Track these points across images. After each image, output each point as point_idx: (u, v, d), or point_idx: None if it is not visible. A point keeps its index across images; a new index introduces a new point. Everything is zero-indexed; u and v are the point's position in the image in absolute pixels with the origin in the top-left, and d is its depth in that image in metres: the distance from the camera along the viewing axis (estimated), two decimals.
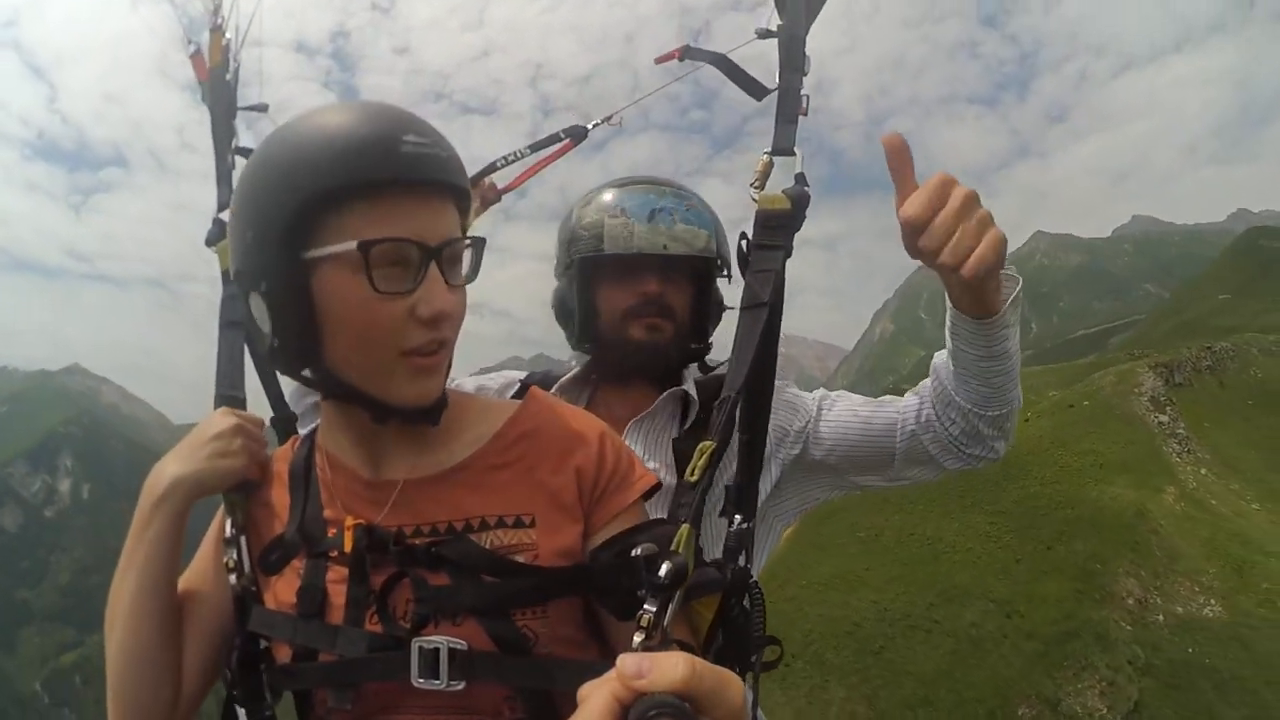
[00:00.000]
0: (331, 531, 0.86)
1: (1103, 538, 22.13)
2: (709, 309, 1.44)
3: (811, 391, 1.42)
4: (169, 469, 0.92)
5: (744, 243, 1.07)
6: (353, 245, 0.74)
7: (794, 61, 1.10)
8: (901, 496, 28.02)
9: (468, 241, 0.82)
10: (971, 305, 1.08)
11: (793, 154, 1.07)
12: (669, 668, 0.42)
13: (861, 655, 18.34)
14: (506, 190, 1.69)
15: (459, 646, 0.78)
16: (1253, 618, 19.21)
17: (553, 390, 1.40)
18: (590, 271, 1.37)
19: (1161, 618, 19.71)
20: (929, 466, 1.33)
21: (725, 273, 1.45)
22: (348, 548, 0.83)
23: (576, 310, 1.39)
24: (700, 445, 0.91)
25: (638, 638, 0.70)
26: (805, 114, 1.09)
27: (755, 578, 1.03)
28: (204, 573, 0.96)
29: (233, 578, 0.92)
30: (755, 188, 1.06)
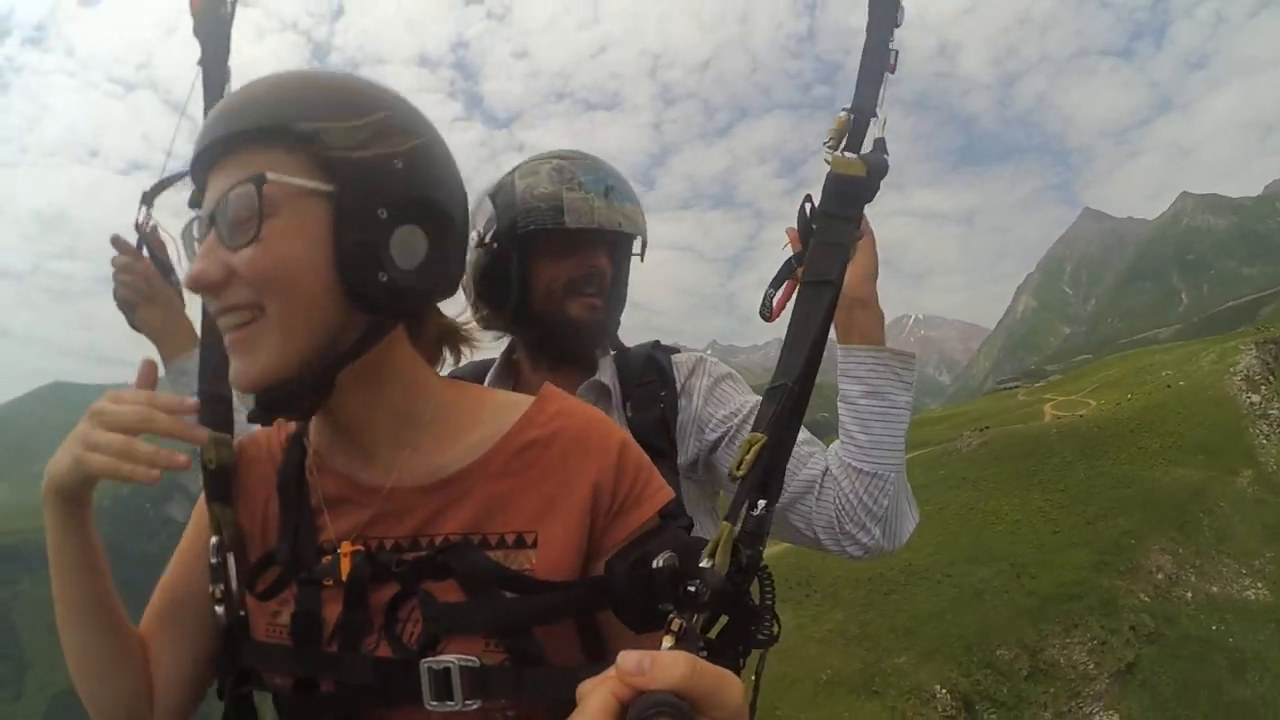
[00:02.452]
0: (326, 559, 0.78)
1: (1146, 515, 22.85)
2: (625, 287, 1.41)
3: (754, 395, 1.32)
4: (53, 462, 0.77)
5: (808, 207, 1.00)
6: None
7: (881, 9, 0.99)
8: (978, 476, 29.34)
9: (232, 188, 0.68)
10: (843, 328, 1.20)
11: (874, 115, 0.97)
12: (669, 666, 0.42)
13: (871, 595, 21.26)
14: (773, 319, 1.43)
15: (471, 664, 0.71)
16: None
17: (485, 383, 1.33)
18: (536, 242, 1.28)
19: (1190, 594, 20.51)
20: (798, 534, 1.25)
21: (637, 252, 1.42)
22: (344, 575, 0.75)
23: (515, 285, 1.29)
24: (750, 437, 0.83)
25: (667, 642, 0.65)
26: (893, 71, 0.99)
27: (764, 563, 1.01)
28: (186, 578, 0.85)
29: (219, 609, 0.81)
30: (828, 146, 0.96)
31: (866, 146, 0.94)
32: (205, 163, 0.71)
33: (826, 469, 1.22)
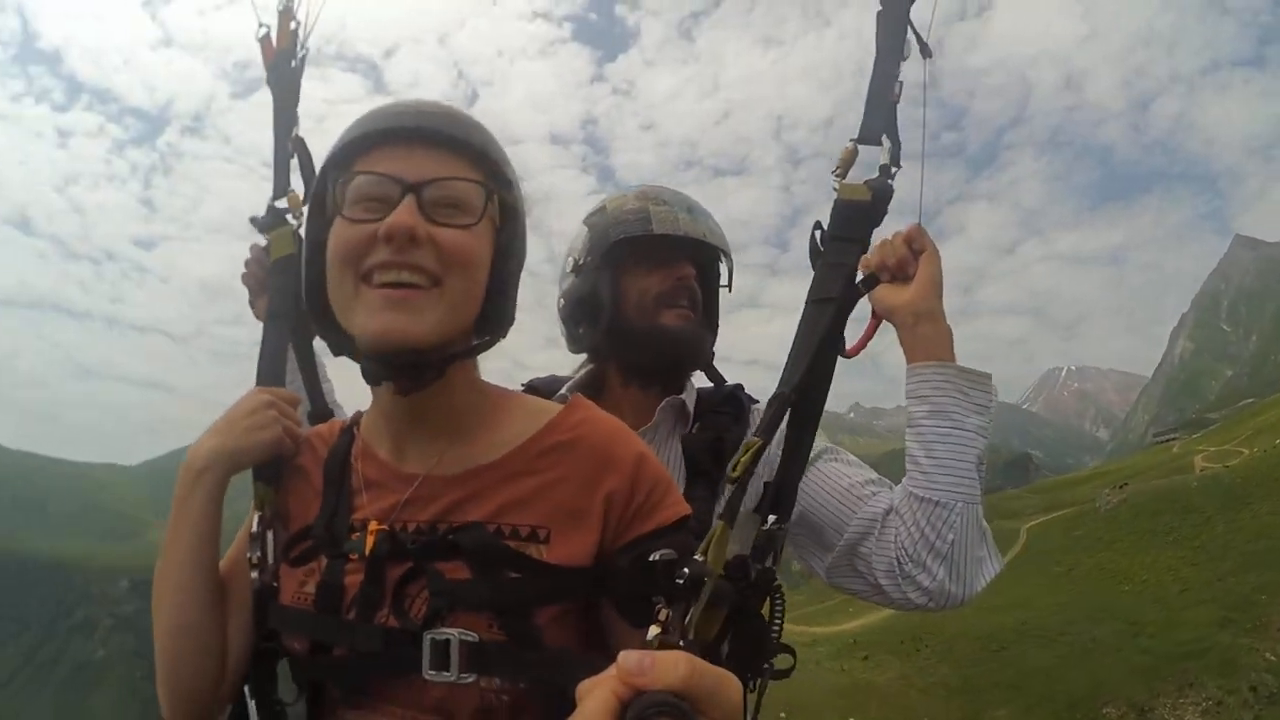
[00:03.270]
0: (355, 535, 0.86)
1: None
2: (717, 310, 1.44)
3: (824, 440, 1.27)
4: (206, 444, 0.93)
5: (818, 233, 1.05)
6: (336, 183, 0.82)
7: (887, 41, 1.06)
8: (1114, 536, 28.95)
9: (458, 179, 0.81)
10: (909, 345, 1.14)
11: (878, 143, 1.03)
12: (669, 666, 0.42)
13: (982, 651, 22.53)
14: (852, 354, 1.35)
15: (470, 639, 0.77)
16: None
17: (556, 396, 1.30)
18: (626, 255, 1.33)
19: None
20: (861, 580, 1.19)
21: (725, 283, 1.45)
22: (368, 551, 0.83)
23: (608, 297, 1.32)
24: (746, 441, 0.90)
25: (653, 630, 0.69)
26: (897, 99, 1.05)
27: (779, 581, 1.00)
28: (240, 555, 0.95)
29: (255, 573, 0.92)
30: (836, 175, 1.02)
31: (873, 173, 1.02)
32: (407, 138, 0.81)
33: (891, 508, 1.15)
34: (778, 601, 1.00)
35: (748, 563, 0.97)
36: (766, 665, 0.96)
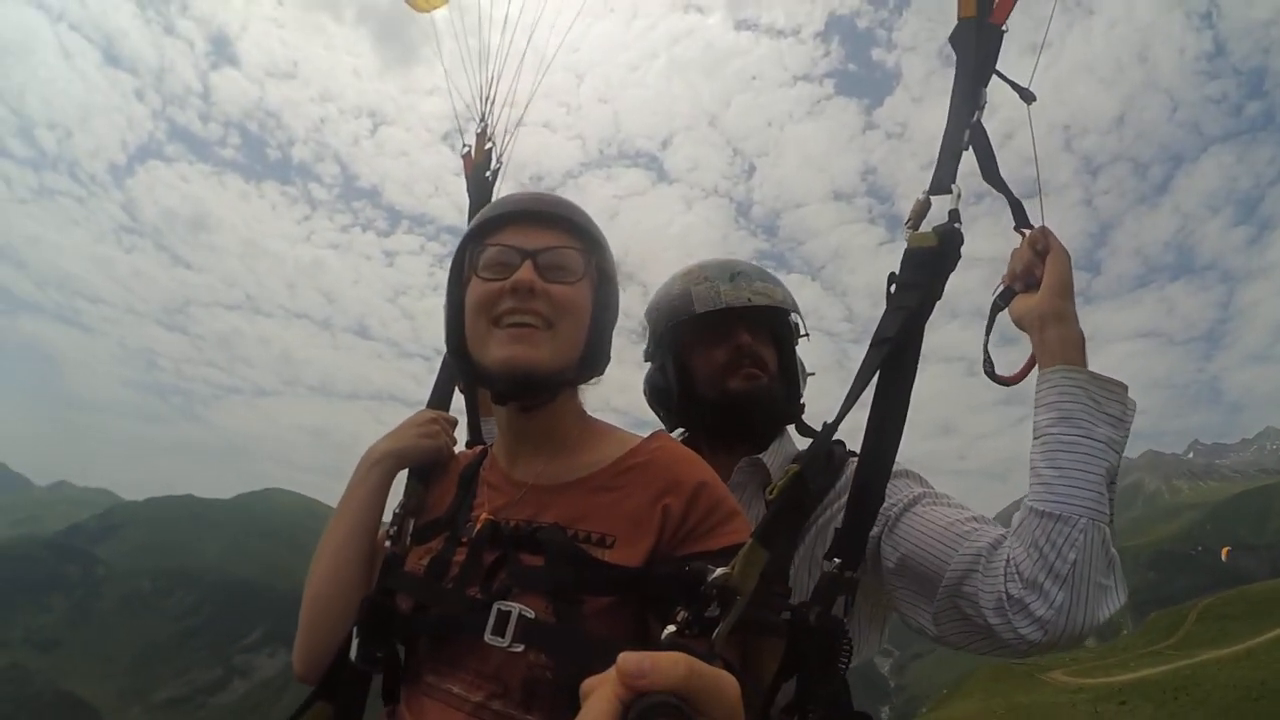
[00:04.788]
0: (469, 524, 1.06)
1: None
2: (794, 364, 1.46)
3: (922, 485, 1.24)
4: (382, 444, 1.21)
5: (891, 285, 1.10)
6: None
7: (962, 97, 1.11)
8: None
9: (564, 248, 1.05)
10: (1038, 352, 1.12)
11: (948, 191, 1.07)
12: (669, 668, 0.43)
13: (1241, 699, 20.95)
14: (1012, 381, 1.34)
15: (528, 614, 0.91)
16: None
17: None
18: (683, 336, 1.43)
19: None
20: (968, 625, 1.08)
21: (803, 333, 1.50)
22: (474, 536, 1.03)
23: (674, 378, 1.42)
24: (789, 466, 0.96)
25: (667, 630, 0.76)
26: (967, 148, 1.10)
27: (849, 632, 0.99)
28: (383, 534, 1.19)
29: (388, 543, 1.15)
30: (909, 228, 1.07)
31: (941, 218, 1.06)
32: (525, 219, 1.06)
33: (1000, 539, 1.06)
34: (844, 653, 0.97)
35: (808, 609, 0.99)
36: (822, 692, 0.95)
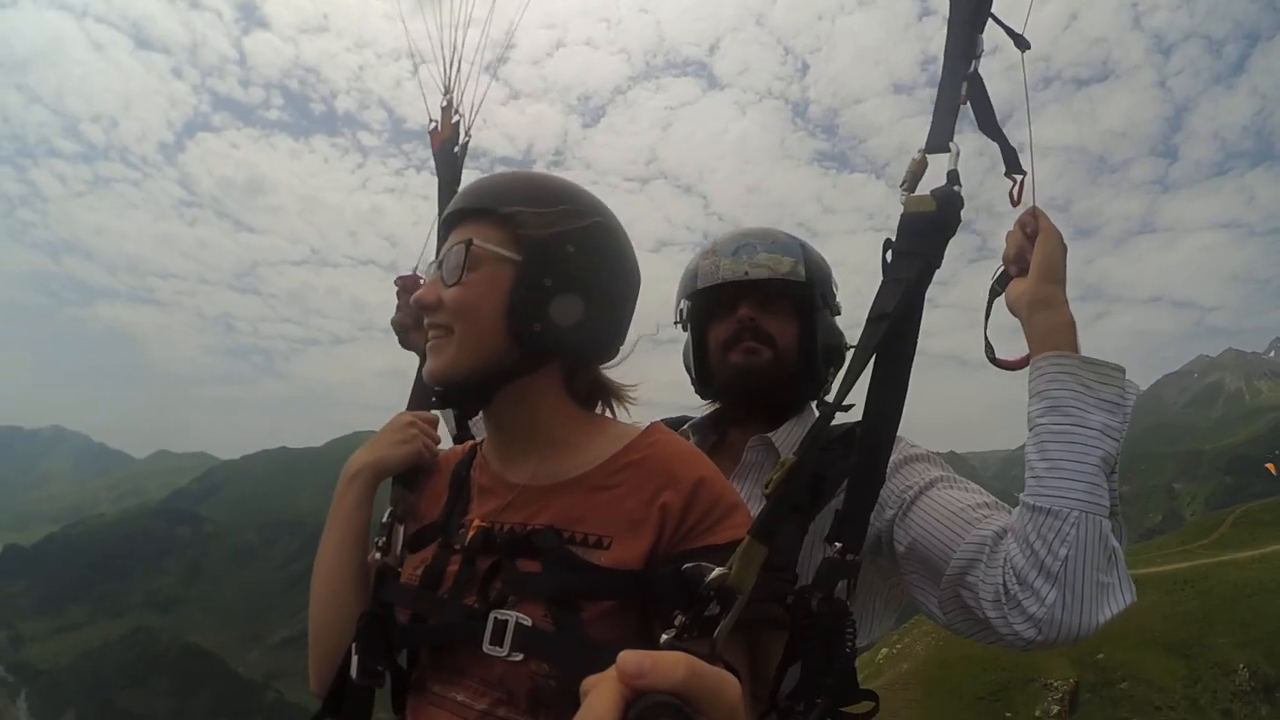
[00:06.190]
0: (462, 530, 1.02)
1: None
2: (813, 339, 1.39)
3: (941, 469, 1.22)
4: (359, 456, 1.17)
5: (888, 255, 1.03)
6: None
7: (956, 46, 1.03)
8: None
9: (454, 246, 0.98)
10: (1029, 339, 1.08)
11: (946, 150, 0.99)
12: (669, 668, 0.42)
13: None
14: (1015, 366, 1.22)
15: (525, 622, 0.87)
16: None
17: (679, 431, 1.37)
18: (693, 313, 1.46)
19: None
20: (970, 616, 1.07)
21: (827, 306, 1.42)
22: (467, 543, 0.99)
23: (692, 353, 1.46)
24: (783, 459, 0.91)
25: (665, 635, 0.74)
26: (964, 102, 1.02)
27: (854, 616, 0.97)
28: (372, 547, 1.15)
29: (378, 555, 1.11)
30: (903, 189, 1.00)
31: (940, 181, 0.97)
32: (445, 227, 1.05)
33: (1005, 530, 1.04)
34: (850, 638, 0.95)
35: (809, 594, 0.95)
36: (841, 710, 0.94)
